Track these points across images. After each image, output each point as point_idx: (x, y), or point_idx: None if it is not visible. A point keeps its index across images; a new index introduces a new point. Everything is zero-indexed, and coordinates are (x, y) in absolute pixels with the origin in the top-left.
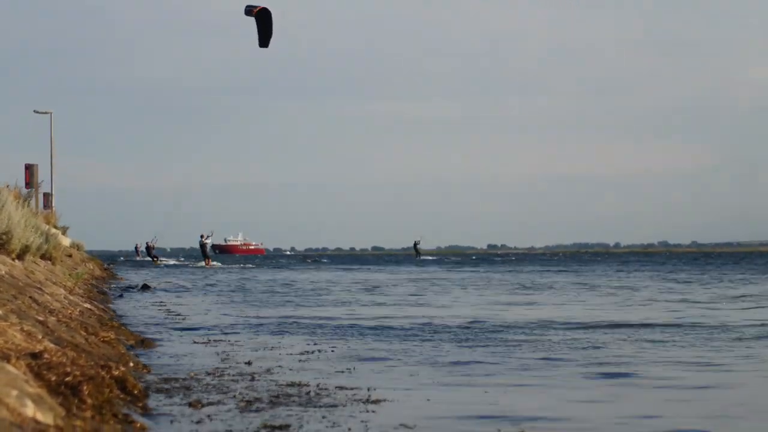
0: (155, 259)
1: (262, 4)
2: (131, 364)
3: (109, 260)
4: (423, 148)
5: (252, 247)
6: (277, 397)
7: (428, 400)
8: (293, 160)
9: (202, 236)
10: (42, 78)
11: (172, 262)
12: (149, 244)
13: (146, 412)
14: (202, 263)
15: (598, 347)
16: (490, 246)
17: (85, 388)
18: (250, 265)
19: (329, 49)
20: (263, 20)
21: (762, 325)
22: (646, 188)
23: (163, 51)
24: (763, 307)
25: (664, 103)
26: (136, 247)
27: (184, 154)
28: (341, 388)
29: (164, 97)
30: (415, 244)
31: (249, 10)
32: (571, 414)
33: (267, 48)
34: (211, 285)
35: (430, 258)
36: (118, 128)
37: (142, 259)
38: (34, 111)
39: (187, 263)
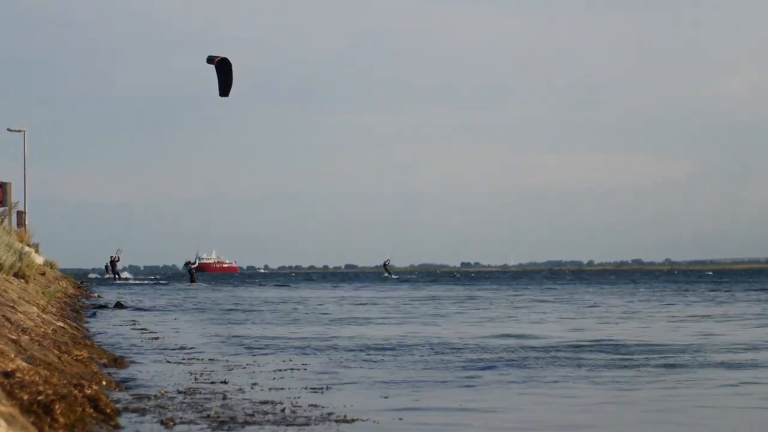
0: (117, 275)
1: (223, 55)
2: (104, 383)
3: (82, 278)
4: (396, 163)
5: (226, 265)
6: (252, 415)
7: (401, 419)
8: (264, 175)
9: (111, 257)
10: (13, 92)
11: (133, 278)
12: (113, 257)
13: (118, 430)
14: (181, 283)
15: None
16: (463, 264)
17: (57, 406)
18: (229, 286)
19: (301, 60)
20: (223, 70)
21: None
22: (619, 205)
23: (133, 63)
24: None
25: (638, 115)
26: (105, 266)
27: (156, 169)
28: (315, 406)
29: (134, 109)
30: (385, 264)
31: (210, 59)
32: None
33: (227, 97)
34: (187, 304)
35: (395, 277)
36: (90, 142)
37: (109, 276)
38: (8, 129)
39: (154, 281)
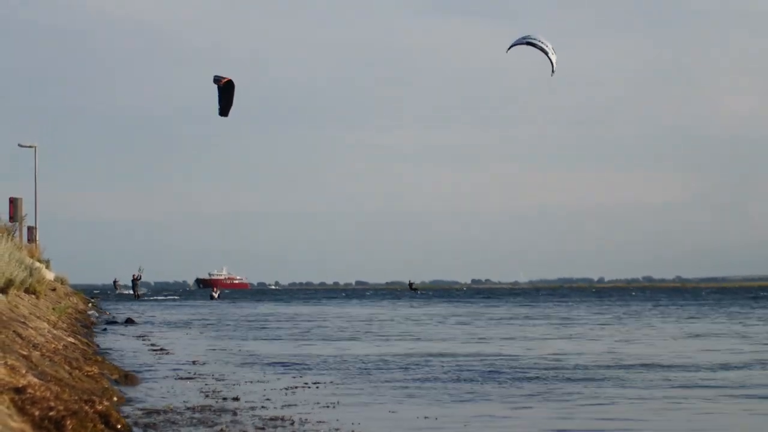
0: (137, 293)
1: (228, 77)
2: (115, 399)
3: (92, 294)
4: (405, 180)
5: (236, 282)
6: (262, 429)
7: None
8: (275, 193)
9: (134, 275)
10: (26, 110)
11: (149, 294)
12: (135, 276)
13: None
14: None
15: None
16: (474, 281)
17: (68, 422)
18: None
19: (310, 77)
20: (227, 91)
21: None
22: (630, 222)
23: (144, 81)
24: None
25: (647, 135)
26: (114, 282)
27: (166, 186)
28: (323, 422)
29: (144, 127)
30: (411, 284)
31: (217, 80)
32: None
33: (227, 117)
34: (198, 320)
35: (421, 293)
36: (99, 159)
37: (121, 293)
38: (19, 145)
39: (170, 297)
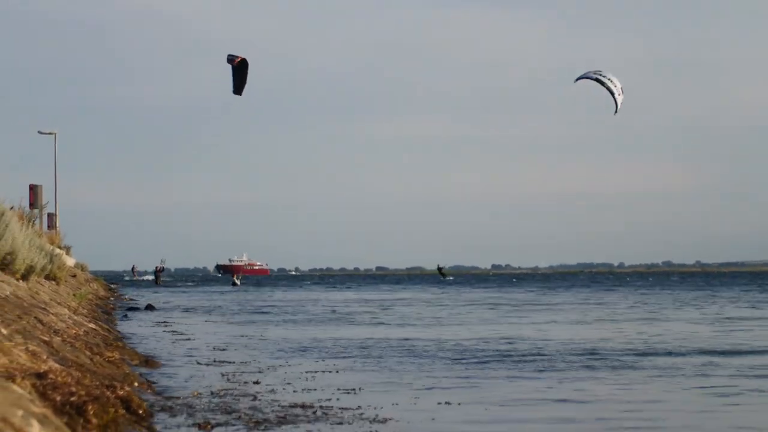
0: (158, 281)
1: (242, 56)
2: (136, 384)
3: (112, 280)
4: (425, 168)
5: (257, 267)
6: (284, 416)
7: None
8: (295, 180)
9: (156, 267)
10: (46, 99)
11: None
12: (158, 267)
13: (151, 431)
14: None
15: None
16: (494, 266)
17: (90, 407)
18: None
19: (330, 69)
20: (240, 70)
21: None
22: (650, 207)
23: (166, 72)
24: None
25: (662, 123)
26: (132, 268)
27: (186, 174)
28: (346, 408)
29: (166, 117)
30: (440, 268)
31: (231, 59)
32: None
33: (240, 96)
34: (219, 305)
35: (450, 278)
36: (121, 148)
37: (138, 279)
38: (39, 132)
39: (190, 283)
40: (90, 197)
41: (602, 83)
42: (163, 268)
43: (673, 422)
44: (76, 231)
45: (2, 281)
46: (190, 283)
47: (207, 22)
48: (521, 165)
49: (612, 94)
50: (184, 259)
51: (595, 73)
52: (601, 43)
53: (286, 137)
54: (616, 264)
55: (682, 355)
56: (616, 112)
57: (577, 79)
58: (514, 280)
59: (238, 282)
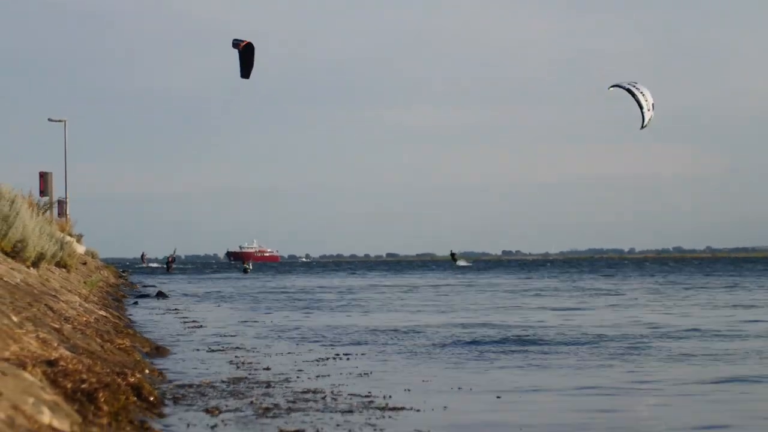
0: (170, 269)
1: (248, 40)
2: (147, 371)
3: (122, 268)
4: (435, 155)
5: (267, 254)
6: (294, 402)
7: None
8: (306, 167)
9: (168, 258)
10: (55, 86)
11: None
12: (170, 258)
13: (162, 418)
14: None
15: None
16: (504, 252)
17: (101, 395)
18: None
19: (341, 56)
20: (247, 54)
21: None
22: (659, 193)
23: (175, 59)
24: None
25: (676, 108)
26: (142, 255)
27: (196, 161)
28: (355, 395)
29: (174, 104)
30: (453, 254)
31: (236, 44)
32: None
33: (248, 79)
34: (229, 292)
35: (466, 264)
36: (131, 135)
37: (148, 266)
38: (49, 119)
39: (200, 270)
40: (101, 184)
41: (634, 96)
42: (175, 258)
43: None
44: (87, 218)
45: (13, 268)
46: (205, 271)
47: (217, 12)
48: (530, 151)
49: (641, 107)
50: (195, 246)
51: (629, 84)
52: (610, 29)
53: (297, 125)
54: (626, 249)
55: None
56: (642, 126)
57: (611, 87)
58: (548, 264)
59: (249, 269)
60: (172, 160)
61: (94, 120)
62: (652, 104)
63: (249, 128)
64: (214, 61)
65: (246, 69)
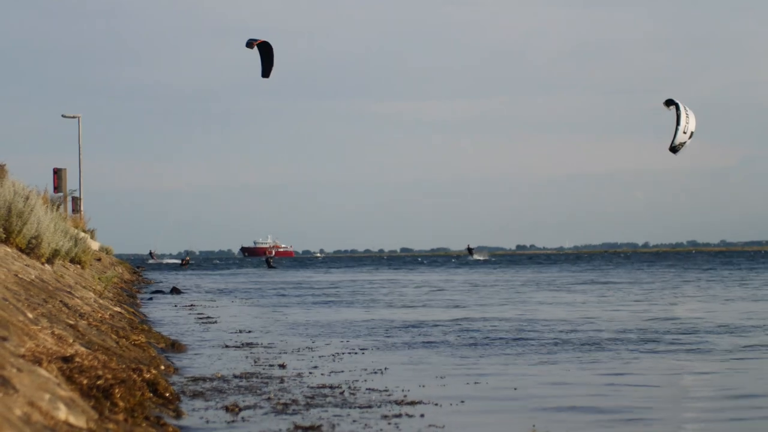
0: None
1: (263, 38)
2: (162, 367)
3: (137, 264)
4: (448, 149)
5: (281, 250)
6: (312, 398)
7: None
8: (319, 162)
9: (182, 259)
10: (69, 82)
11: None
12: (183, 261)
13: (178, 414)
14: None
15: None
16: (519, 246)
17: (116, 391)
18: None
19: (349, 51)
20: (265, 52)
21: None
22: (674, 187)
23: (187, 54)
24: None
25: (689, 100)
26: (150, 252)
27: (211, 157)
28: (373, 389)
29: (187, 99)
30: (470, 249)
31: (249, 43)
32: None
33: (268, 78)
34: (244, 288)
35: (483, 258)
36: (144, 131)
37: (156, 262)
38: (62, 115)
39: (215, 265)
40: (115, 181)
41: (678, 114)
42: (189, 260)
43: None
44: (101, 215)
45: (28, 265)
46: (219, 266)
47: (228, 6)
48: (544, 144)
49: (677, 126)
50: (209, 242)
51: (681, 103)
52: (623, 19)
53: (311, 120)
54: (640, 243)
55: None
56: (671, 147)
57: (667, 102)
58: (580, 258)
59: (272, 263)
60: (188, 155)
61: (109, 115)
62: (692, 133)
63: (264, 124)
64: (228, 57)
65: (266, 69)
